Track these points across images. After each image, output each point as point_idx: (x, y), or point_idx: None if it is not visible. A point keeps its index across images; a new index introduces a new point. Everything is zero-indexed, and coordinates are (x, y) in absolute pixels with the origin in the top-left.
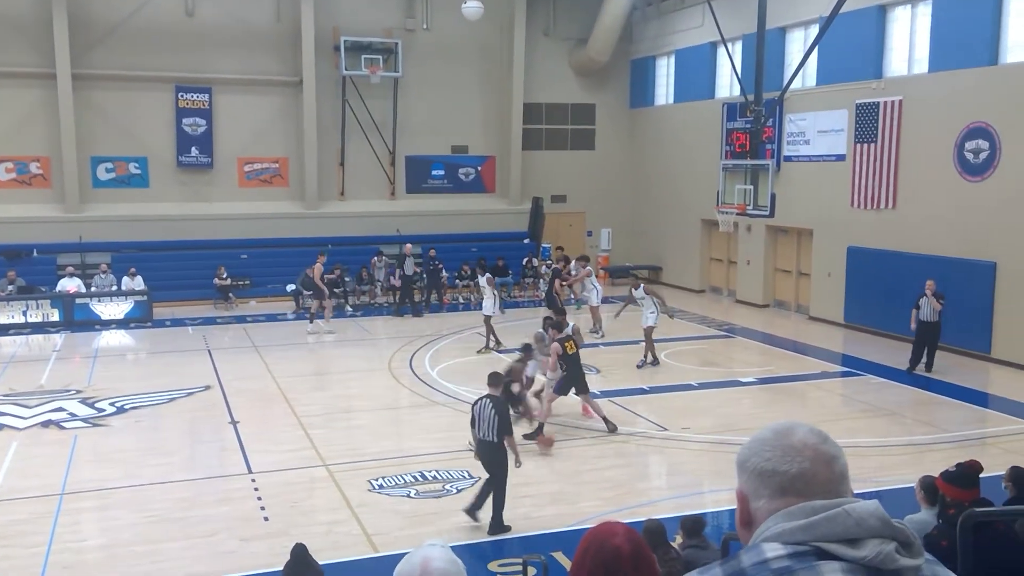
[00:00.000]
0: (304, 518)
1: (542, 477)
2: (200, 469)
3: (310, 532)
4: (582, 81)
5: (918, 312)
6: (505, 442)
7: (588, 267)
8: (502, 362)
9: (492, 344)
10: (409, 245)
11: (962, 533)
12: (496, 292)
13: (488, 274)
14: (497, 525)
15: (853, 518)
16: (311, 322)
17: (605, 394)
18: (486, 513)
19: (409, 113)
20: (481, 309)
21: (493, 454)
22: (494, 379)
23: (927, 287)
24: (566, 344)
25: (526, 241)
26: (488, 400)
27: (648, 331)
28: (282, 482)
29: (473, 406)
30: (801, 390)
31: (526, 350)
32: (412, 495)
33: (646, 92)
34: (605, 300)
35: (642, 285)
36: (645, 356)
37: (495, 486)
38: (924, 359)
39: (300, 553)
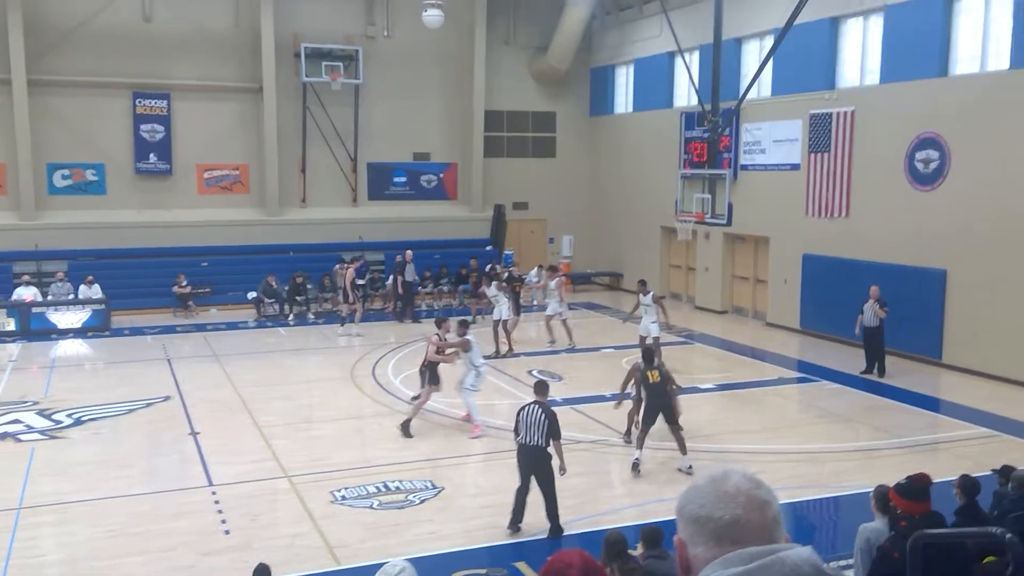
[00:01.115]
0: (265, 531)
1: (504, 487)
2: (159, 482)
3: (272, 545)
4: (542, 89)
5: (862, 317)
6: (553, 445)
7: (558, 277)
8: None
9: (506, 350)
10: (409, 251)
11: (911, 553)
12: (509, 298)
13: (497, 281)
14: (557, 529)
15: (788, 566)
16: (342, 325)
17: (567, 401)
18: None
19: (371, 120)
20: (493, 315)
21: (539, 459)
22: (541, 388)
23: (871, 293)
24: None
25: (488, 248)
26: (537, 405)
27: (643, 340)
28: (243, 494)
29: (519, 413)
30: (759, 396)
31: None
32: (375, 506)
33: (605, 100)
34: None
35: (651, 292)
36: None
37: (549, 492)
38: (876, 364)
39: (263, 573)
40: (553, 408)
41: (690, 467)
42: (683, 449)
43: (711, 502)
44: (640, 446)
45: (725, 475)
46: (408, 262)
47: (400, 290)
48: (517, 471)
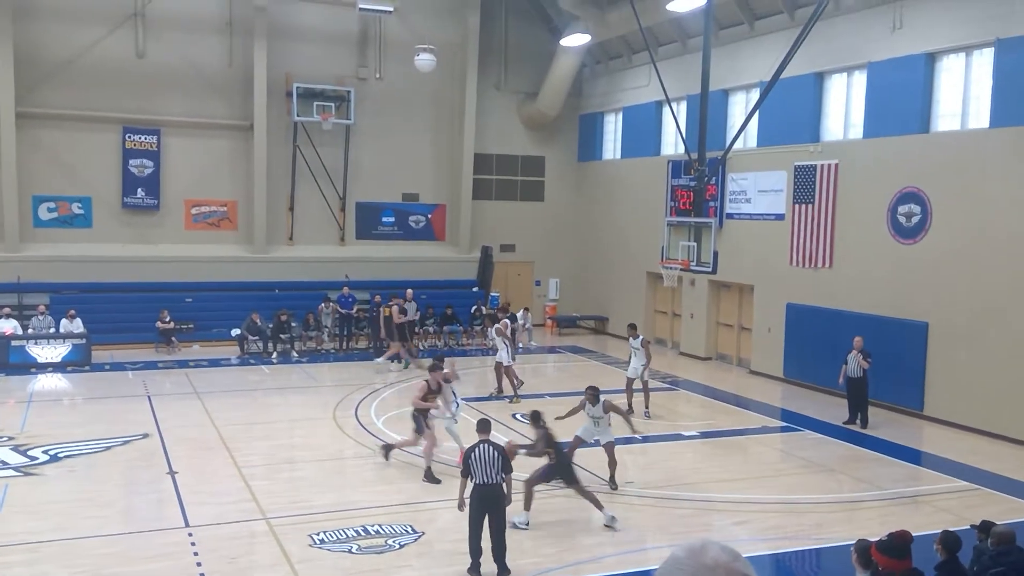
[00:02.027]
0: (242, 575)
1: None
2: (135, 522)
3: None
4: (532, 134)
5: (846, 368)
6: (506, 480)
7: (505, 319)
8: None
9: (516, 390)
10: (410, 291)
11: None
12: (508, 342)
13: (498, 325)
14: (505, 569)
15: None
16: (391, 360)
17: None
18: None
19: (360, 160)
20: (496, 356)
21: (498, 497)
22: (484, 426)
23: (855, 344)
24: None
25: (475, 289)
26: (487, 444)
27: (630, 382)
28: (220, 536)
29: (468, 456)
30: (742, 444)
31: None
32: (354, 550)
33: (594, 147)
34: (551, 350)
35: (640, 337)
36: (643, 403)
37: (501, 530)
38: (859, 415)
39: None
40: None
41: (613, 518)
42: (598, 505)
43: (690, 575)
44: (527, 506)
45: (704, 547)
46: (408, 300)
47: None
48: (470, 513)
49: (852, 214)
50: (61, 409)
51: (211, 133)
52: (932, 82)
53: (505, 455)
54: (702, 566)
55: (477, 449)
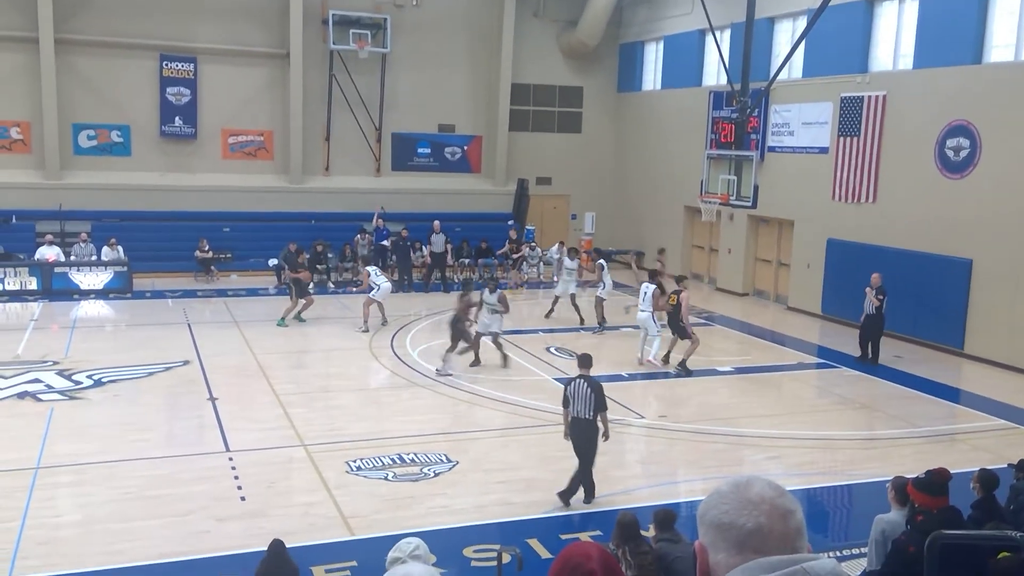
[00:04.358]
0: (281, 499)
1: (517, 463)
2: (177, 446)
3: (286, 513)
4: (570, 63)
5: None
6: (599, 418)
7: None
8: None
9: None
10: (437, 222)
11: (929, 552)
12: (378, 281)
13: (372, 266)
14: (591, 492)
15: None
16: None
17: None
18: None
19: (396, 89)
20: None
21: (589, 431)
22: (585, 360)
23: (872, 281)
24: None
25: (510, 223)
26: (582, 380)
27: (597, 300)
28: (259, 461)
29: (567, 387)
30: (777, 380)
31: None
32: (389, 478)
33: (634, 77)
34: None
35: (600, 259)
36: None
37: (585, 463)
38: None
39: (277, 550)
40: (598, 382)
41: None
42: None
43: (734, 509)
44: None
45: (749, 482)
46: (436, 232)
47: (428, 260)
48: (572, 442)
49: (898, 147)
50: (104, 335)
51: (247, 61)
52: (985, 10)
53: (600, 393)
54: (747, 501)
55: (574, 383)
